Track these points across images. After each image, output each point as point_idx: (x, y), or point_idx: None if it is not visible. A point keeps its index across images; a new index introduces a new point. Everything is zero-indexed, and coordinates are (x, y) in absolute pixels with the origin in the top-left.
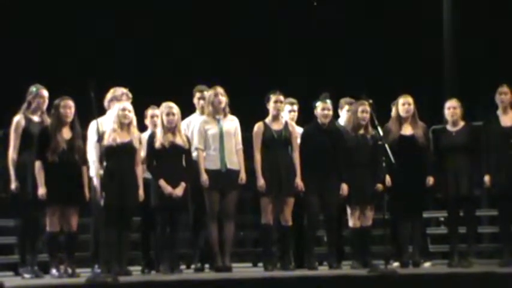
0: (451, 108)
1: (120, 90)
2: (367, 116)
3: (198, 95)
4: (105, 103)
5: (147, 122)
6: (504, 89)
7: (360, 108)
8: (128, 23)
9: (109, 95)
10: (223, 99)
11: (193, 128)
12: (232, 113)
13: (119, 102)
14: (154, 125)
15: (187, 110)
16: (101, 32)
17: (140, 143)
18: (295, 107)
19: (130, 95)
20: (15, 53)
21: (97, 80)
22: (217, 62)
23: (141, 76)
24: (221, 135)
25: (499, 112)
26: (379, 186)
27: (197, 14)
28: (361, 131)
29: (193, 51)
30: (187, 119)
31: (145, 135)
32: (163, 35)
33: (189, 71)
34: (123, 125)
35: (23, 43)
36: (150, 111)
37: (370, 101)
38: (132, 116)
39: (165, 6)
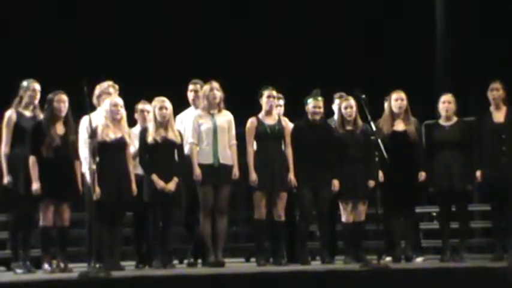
0: (446, 102)
1: (105, 83)
2: (352, 111)
3: (190, 87)
4: (94, 99)
5: (137, 116)
6: (496, 85)
7: (344, 105)
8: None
9: (97, 91)
10: (218, 94)
11: (186, 123)
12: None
13: (107, 96)
14: (144, 120)
15: (182, 106)
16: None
17: (129, 137)
18: (282, 102)
19: (116, 87)
20: (7, 49)
21: (88, 77)
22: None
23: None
24: (215, 130)
25: (492, 108)
26: (371, 182)
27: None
28: (349, 127)
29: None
30: (181, 114)
31: (134, 130)
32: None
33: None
34: (115, 121)
35: (16, 38)
36: (140, 106)
37: (363, 96)
38: (123, 111)
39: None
